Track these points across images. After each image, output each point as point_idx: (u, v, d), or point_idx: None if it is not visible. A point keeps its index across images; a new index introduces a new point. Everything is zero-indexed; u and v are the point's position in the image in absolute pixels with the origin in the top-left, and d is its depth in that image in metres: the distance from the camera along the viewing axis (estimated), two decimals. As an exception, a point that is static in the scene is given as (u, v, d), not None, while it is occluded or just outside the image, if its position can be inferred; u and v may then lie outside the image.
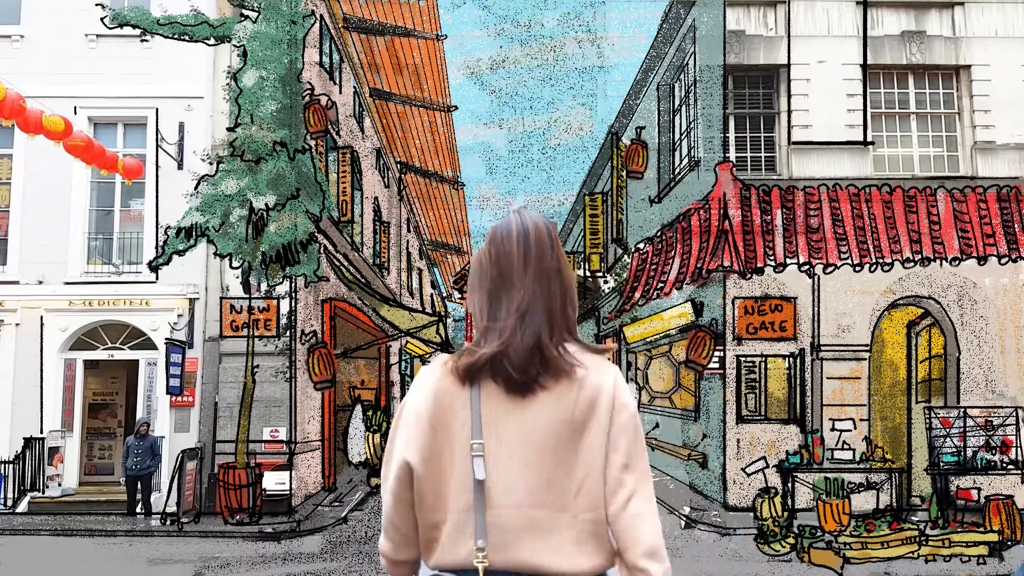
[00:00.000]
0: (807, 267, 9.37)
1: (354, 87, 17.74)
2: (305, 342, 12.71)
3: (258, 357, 11.93)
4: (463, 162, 21.04)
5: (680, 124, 15.14)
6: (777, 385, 12.18)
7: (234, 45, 10.95)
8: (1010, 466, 8.93)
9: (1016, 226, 9.12)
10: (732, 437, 12.09)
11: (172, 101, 13.35)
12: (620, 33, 15.72)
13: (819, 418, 11.83)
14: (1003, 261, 9.15)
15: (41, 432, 12.85)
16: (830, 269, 9.31)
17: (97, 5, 11.06)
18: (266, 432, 12.52)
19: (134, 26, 10.89)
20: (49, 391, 13.15)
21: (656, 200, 15.59)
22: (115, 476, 13.75)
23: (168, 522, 11.15)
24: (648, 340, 16.74)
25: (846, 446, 9.64)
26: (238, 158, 10.28)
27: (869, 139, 12.37)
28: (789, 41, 12.57)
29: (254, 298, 12.19)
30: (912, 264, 9.26)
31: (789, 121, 12.55)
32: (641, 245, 11.64)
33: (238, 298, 12.43)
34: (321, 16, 14.37)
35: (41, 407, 13.01)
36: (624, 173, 13.67)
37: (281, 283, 11.65)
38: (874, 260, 9.09)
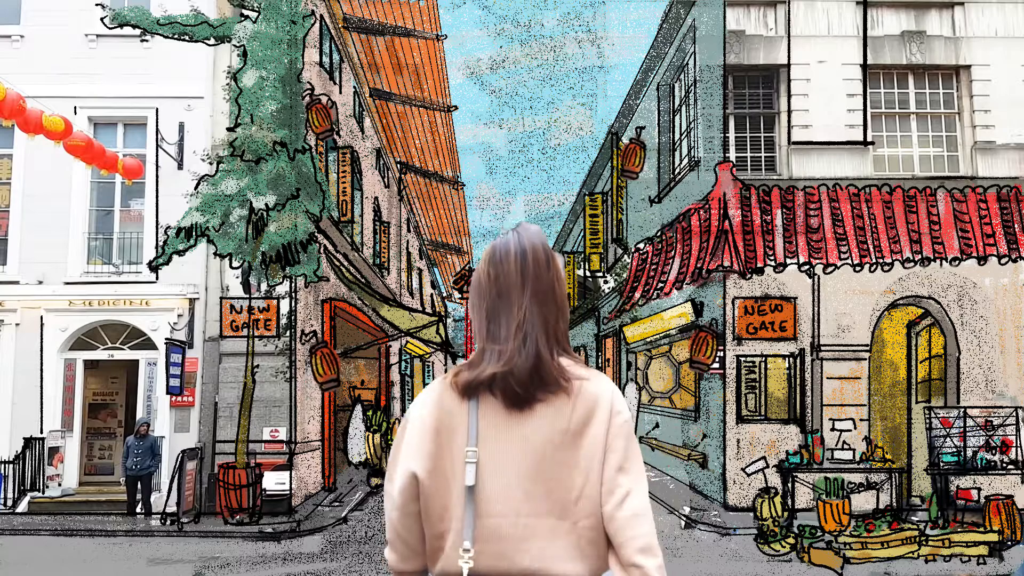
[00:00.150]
0: (807, 267, 9.38)
1: (354, 87, 17.73)
2: (305, 342, 12.71)
3: (258, 357, 11.93)
4: (463, 162, 21.02)
5: (680, 124, 15.13)
6: (777, 385, 12.18)
7: (234, 45, 10.94)
8: (1010, 466, 8.93)
9: (1016, 226, 9.13)
10: (732, 437, 12.09)
11: (172, 101, 13.36)
12: (620, 33, 15.70)
13: (819, 418, 11.83)
14: (1003, 261, 9.16)
15: (41, 432, 12.86)
16: (830, 269, 9.31)
17: (97, 5, 11.08)
18: (266, 432, 12.52)
19: (134, 26, 10.88)
20: (49, 391, 13.15)
21: (656, 200, 15.59)
22: (115, 476, 13.75)
23: (168, 522, 11.15)
24: (648, 340, 16.74)
25: (846, 446, 9.65)
26: (238, 158, 10.27)
27: (869, 139, 12.36)
28: (789, 41, 12.57)
29: (254, 298, 12.19)
30: (912, 264, 9.27)
31: (789, 121, 12.55)
32: (641, 245, 11.65)
33: (238, 298, 12.43)
34: (321, 16, 14.36)
35: (41, 407, 13.01)
36: (620, 172, 13.66)
37: (281, 283, 11.64)
38: (874, 260, 9.10)
